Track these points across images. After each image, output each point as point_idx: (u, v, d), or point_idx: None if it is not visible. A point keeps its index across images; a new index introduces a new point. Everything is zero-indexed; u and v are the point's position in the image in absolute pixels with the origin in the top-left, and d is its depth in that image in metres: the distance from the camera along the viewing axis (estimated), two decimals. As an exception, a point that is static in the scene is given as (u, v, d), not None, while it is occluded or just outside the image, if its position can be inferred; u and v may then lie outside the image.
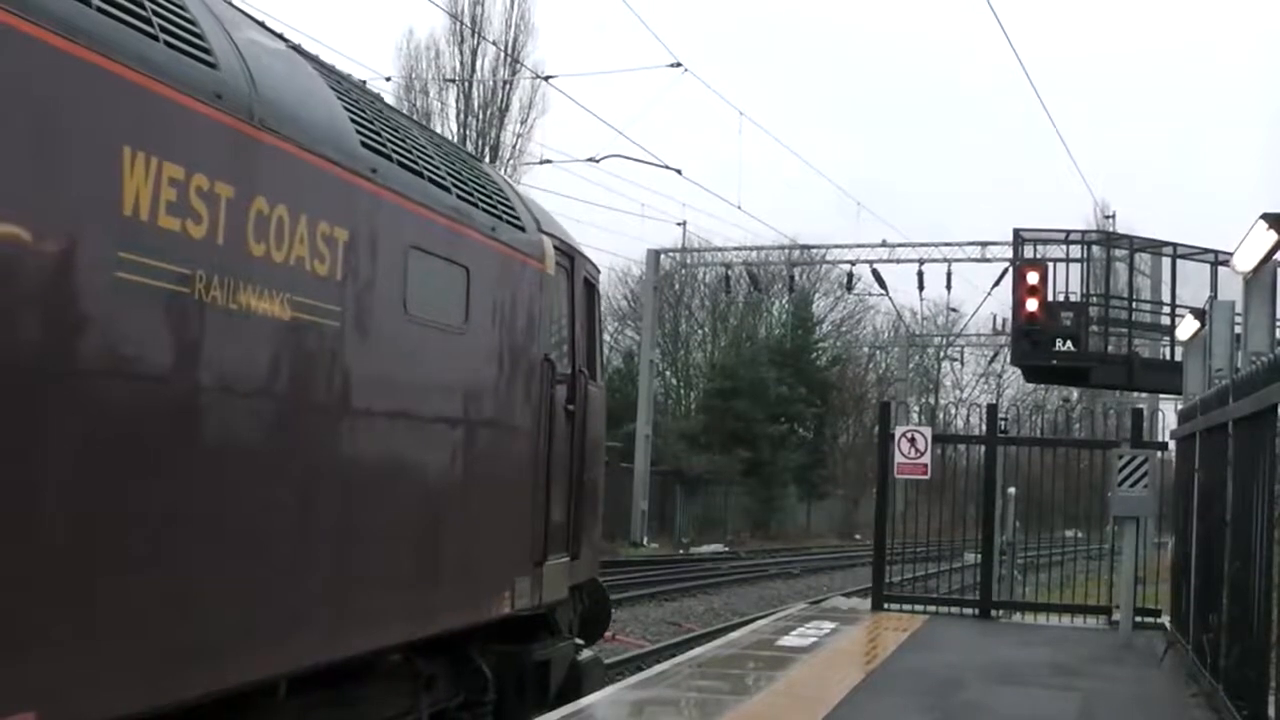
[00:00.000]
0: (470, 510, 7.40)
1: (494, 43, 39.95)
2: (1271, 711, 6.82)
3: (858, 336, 64.23)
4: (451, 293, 7.19)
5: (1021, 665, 10.83)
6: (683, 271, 48.51)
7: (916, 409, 24.83)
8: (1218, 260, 21.89)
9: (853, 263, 39.21)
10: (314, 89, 6.16)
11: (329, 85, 6.42)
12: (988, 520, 14.39)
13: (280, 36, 6.35)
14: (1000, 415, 14.71)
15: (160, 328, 4.81)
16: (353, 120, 6.36)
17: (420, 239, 6.77)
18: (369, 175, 6.26)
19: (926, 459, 13.90)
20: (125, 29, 4.62)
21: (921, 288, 37.51)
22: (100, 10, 4.51)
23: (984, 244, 37.51)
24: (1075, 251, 24.30)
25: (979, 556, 14.99)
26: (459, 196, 7.39)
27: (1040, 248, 24.53)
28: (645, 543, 38.14)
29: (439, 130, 32.49)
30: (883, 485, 14.75)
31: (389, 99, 14.25)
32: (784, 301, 55.51)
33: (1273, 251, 9.49)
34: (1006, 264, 31.13)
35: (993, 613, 14.19)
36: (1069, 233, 25.01)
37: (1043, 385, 43.81)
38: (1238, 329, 11.21)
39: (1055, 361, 23.19)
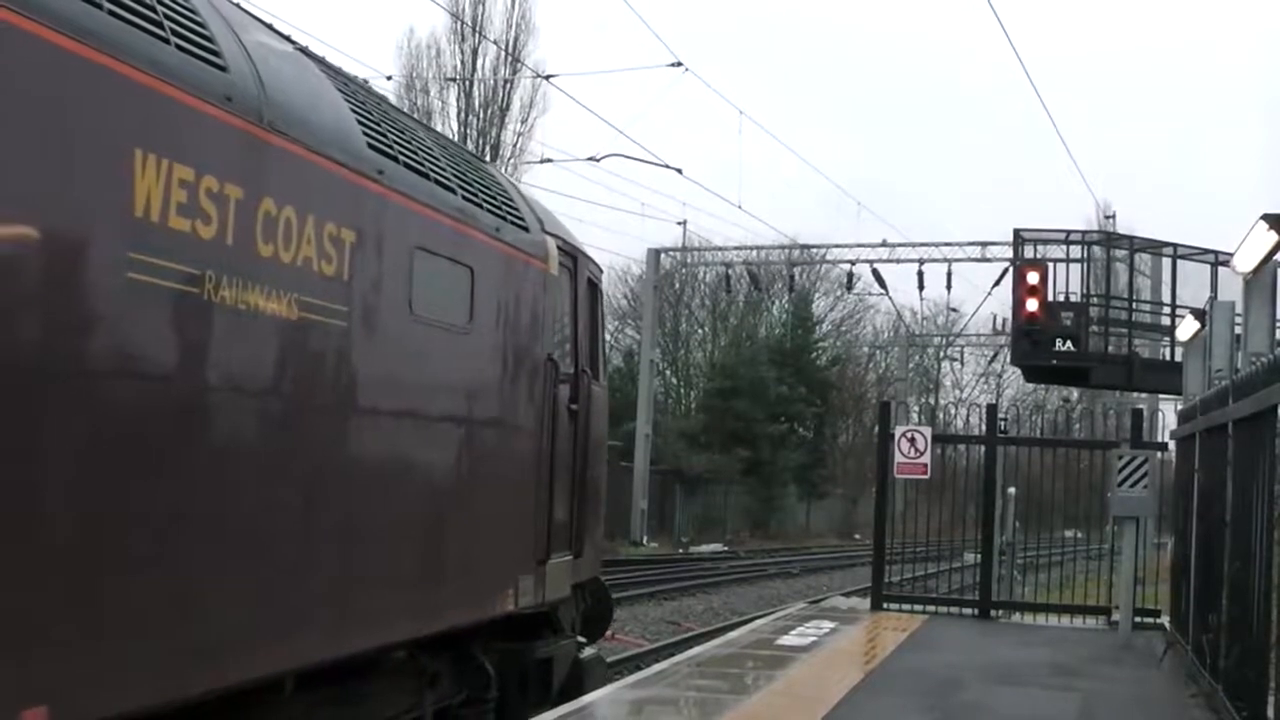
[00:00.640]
0: (474, 509, 7.44)
1: (495, 42, 39.97)
2: (1271, 712, 6.84)
3: (858, 336, 64.33)
4: (456, 293, 7.23)
5: (1021, 665, 10.85)
6: (683, 271, 48.50)
7: (916, 409, 24.80)
8: (1218, 260, 21.88)
9: (853, 262, 39.23)
10: (321, 91, 6.20)
11: (336, 87, 6.46)
12: (987, 520, 14.42)
13: (288, 39, 6.40)
14: (1000, 415, 14.75)
15: (170, 328, 4.85)
16: (359, 122, 6.40)
17: (426, 240, 6.81)
18: (375, 177, 6.31)
19: (926, 459, 13.93)
20: (137, 32, 4.65)
21: (921, 287, 37.53)
22: (111, 13, 4.54)
23: (984, 244, 37.48)
24: (1075, 252, 24.29)
25: (978, 556, 15.02)
26: (464, 197, 7.43)
27: (1040, 248, 24.54)
28: (645, 542, 38.12)
29: (440, 129, 32.53)
30: (882, 485, 14.78)
31: (390, 98, 14.29)
32: (784, 301, 55.52)
33: (1273, 252, 9.51)
34: (1006, 264, 31.16)
35: (992, 613, 14.22)
36: (1069, 233, 25.00)
37: (1043, 385, 43.84)
38: (1238, 329, 11.23)
39: (1055, 361, 23.20)
